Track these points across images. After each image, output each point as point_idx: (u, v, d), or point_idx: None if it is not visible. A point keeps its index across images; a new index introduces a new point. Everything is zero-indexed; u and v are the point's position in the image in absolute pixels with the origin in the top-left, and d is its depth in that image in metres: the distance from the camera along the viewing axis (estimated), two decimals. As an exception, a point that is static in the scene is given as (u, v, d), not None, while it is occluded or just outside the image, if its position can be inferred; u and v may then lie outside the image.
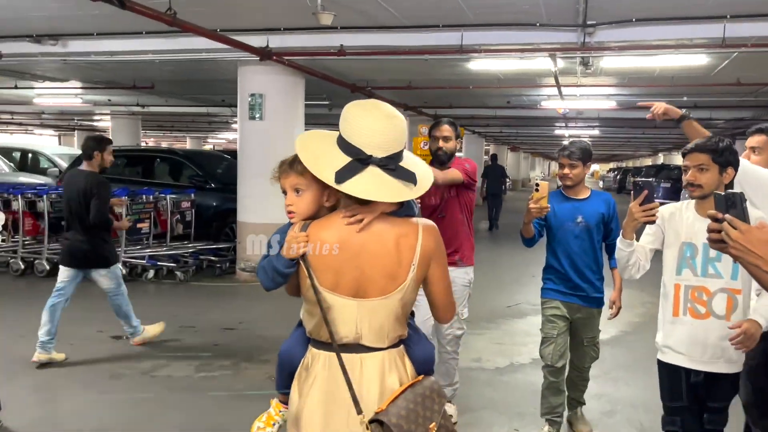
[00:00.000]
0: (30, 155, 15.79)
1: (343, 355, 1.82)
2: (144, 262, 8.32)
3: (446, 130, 3.88)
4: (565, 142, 3.79)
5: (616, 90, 11.58)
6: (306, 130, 9.46)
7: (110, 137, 4.77)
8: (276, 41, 7.45)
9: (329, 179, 1.74)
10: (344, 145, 1.79)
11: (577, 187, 3.65)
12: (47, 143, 32.30)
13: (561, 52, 7.09)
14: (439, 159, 3.88)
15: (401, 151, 1.84)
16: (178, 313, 6.66)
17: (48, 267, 8.34)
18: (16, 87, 12.11)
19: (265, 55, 7.41)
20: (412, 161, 1.88)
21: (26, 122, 26.20)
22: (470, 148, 23.86)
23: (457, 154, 4.03)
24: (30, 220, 8.65)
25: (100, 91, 13.92)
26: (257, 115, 8.30)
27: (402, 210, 1.88)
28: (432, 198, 3.88)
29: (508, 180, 23.40)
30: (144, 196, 8.64)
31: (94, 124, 24.89)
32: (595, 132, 21.76)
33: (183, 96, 14.90)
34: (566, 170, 3.59)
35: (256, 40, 7.41)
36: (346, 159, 1.77)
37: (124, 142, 18.85)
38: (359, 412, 1.77)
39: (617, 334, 6.26)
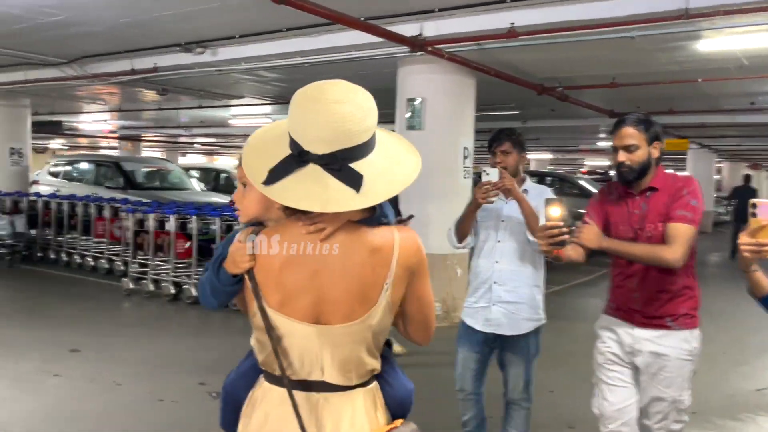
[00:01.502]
0: (223, 176, 16.33)
1: (302, 393, 1.52)
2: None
3: (629, 135, 2.58)
4: None
5: None
6: (477, 141, 7.93)
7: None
8: (431, 28, 5.98)
9: (257, 179, 1.45)
10: (290, 139, 1.47)
11: None
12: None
13: None
14: (624, 178, 2.61)
15: (361, 145, 1.43)
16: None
17: (195, 293, 7.74)
18: (200, 107, 12.26)
19: (416, 45, 5.97)
20: (385, 154, 1.49)
21: (240, 145, 28.14)
22: (697, 166, 20.38)
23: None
24: (183, 242, 8.19)
25: (284, 108, 13.74)
26: (416, 124, 6.93)
27: (374, 217, 1.53)
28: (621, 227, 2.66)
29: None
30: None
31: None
32: None
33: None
34: None
35: (409, 29, 6.03)
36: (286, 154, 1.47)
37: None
38: None
39: None
